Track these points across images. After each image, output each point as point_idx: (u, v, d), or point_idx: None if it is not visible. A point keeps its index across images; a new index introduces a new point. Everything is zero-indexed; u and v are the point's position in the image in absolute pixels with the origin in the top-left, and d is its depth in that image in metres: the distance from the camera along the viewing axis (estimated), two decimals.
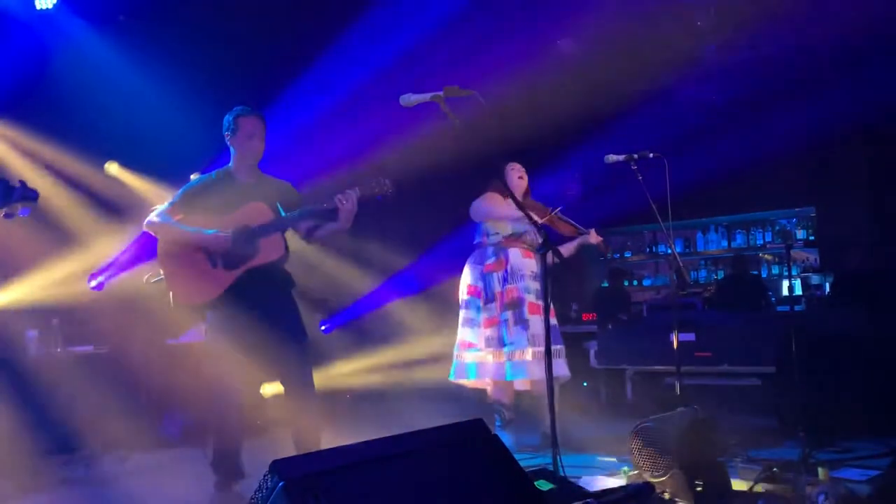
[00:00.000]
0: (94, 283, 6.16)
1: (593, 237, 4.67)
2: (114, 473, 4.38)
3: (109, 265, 6.12)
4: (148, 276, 4.34)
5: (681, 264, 4.22)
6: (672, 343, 4.08)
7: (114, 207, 6.09)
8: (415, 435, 1.99)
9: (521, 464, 2.19)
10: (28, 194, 2.65)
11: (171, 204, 3.60)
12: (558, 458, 3.12)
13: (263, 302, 3.47)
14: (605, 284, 8.60)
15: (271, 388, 5.52)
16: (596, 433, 4.72)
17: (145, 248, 6.06)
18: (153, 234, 3.59)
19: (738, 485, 3.33)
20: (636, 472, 3.23)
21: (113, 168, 6.24)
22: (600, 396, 6.33)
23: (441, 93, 3.12)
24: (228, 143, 3.61)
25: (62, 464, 4.49)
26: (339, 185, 3.47)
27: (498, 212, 4.55)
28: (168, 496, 3.85)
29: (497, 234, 4.61)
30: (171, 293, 3.57)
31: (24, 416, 4.43)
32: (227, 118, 3.60)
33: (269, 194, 3.60)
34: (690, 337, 5.08)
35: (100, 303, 5.88)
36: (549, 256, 3.29)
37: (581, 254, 4.89)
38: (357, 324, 7.06)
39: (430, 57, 5.96)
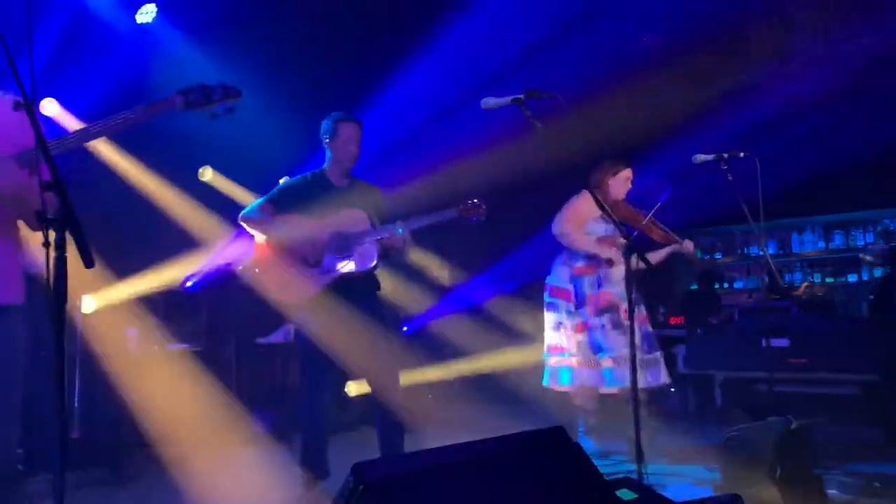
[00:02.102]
0: (189, 284, 6.43)
1: (687, 247, 4.48)
2: (204, 468, 4.54)
3: (203, 266, 6.38)
4: (242, 267, 4.44)
5: (773, 267, 4.06)
6: (764, 348, 3.93)
7: (208, 211, 6.33)
8: (495, 441, 1.98)
9: (605, 472, 2.15)
10: (229, 91, 2.47)
11: (267, 200, 3.66)
12: (643, 466, 3.05)
13: (355, 303, 3.51)
14: (695, 287, 8.35)
15: (357, 388, 5.61)
16: (683, 441, 4.59)
17: (237, 251, 6.28)
18: (247, 228, 3.65)
19: (837, 500, 3.17)
20: (725, 483, 3.12)
21: (207, 174, 6.49)
22: (688, 403, 6.15)
23: (521, 95, 3.08)
24: (326, 146, 3.66)
25: (156, 456, 4.69)
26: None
27: (578, 221, 4.45)
28: (255, 492, 3.97)
29: (588, 235, 4.49)
30: (265, 289, 3.64)
31: (124, 409, 4.68)
32: (326, 122, 3.65)
33: (364, 201, 3.64)
34: (784, 342, 4.87)
35: (195, 303, 6.14)
36: (634, 261, 3.21)
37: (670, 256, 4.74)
38: (437, 325, 7.09)
39: (511, 59, 5.93)
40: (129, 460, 4.67)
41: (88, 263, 1.70)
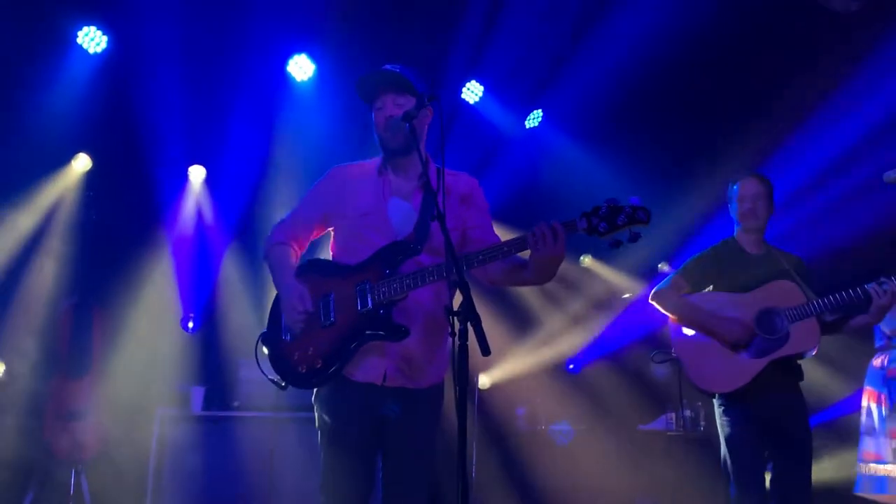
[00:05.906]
0: (571, 367, 6.75)
1: None
2: None
3: (585, 351, 6.64)
4: (655, 353, 4.22)
5: None
6: None
7: (586, 295, 6.62)
8: None
9: None
10: (637, 215, 2.18)
11: (679, 273, 3.35)
12: None
13: (786, 399, 3.18)
14: None
15: None
16: None
17: (614, 337, 6.43)
18: (659, 307, 3.32)
19: None
20: None
21: (587, 260, 6.84)
22: None
23: None
24: (732, 214, 3.42)
25: None
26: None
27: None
28: None
29: None
30: (686, 374, 3.31)
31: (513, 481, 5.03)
32: (729, 186, 3.43)
33: (787, 271, 3.26)
34: None
35: (575, 384, 6.39)
36: None
37: None
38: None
39: None
40: None
41: (485, 352, 1.92)
